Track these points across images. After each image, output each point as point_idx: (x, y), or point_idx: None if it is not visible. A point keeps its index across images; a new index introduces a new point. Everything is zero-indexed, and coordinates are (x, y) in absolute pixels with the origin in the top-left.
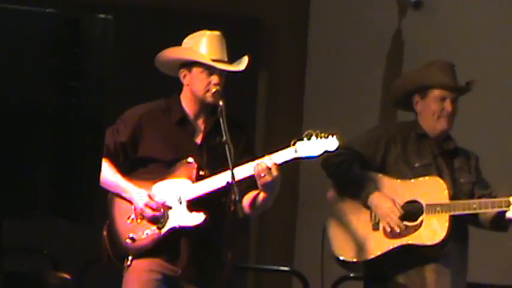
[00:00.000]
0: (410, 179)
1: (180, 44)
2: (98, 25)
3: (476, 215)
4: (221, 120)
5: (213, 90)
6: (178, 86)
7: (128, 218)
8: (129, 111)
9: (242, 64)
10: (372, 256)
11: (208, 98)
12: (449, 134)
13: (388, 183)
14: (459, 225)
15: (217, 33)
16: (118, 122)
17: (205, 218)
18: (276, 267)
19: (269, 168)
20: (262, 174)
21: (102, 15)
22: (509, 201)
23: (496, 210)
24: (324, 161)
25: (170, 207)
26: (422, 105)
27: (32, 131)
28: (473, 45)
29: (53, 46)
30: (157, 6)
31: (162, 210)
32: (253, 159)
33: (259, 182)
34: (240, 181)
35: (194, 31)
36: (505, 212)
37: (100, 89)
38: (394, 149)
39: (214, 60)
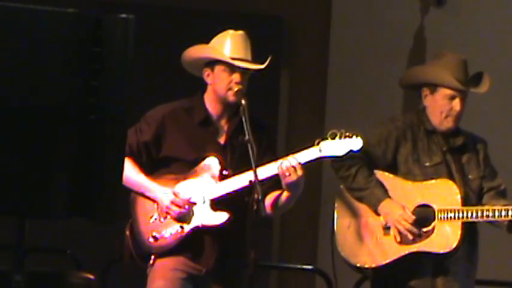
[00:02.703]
0: (422, 180)
1: (204, 43)
2: (119, 25)
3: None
4: (243, 119)
5: (235, 89)
6: (202, 86)
7: (151, 218)
8: (152, 110)
9: (264, 63)
10: (384, 262)
11: (230, 97)
12: (458, 127)
13: (399, 185)
14: (470, 229)
15: (240, 32)
16: (141, 122)
17: (229, 217)
18: (299, 266)
19: (294, 167)
20: (287, 174)
21: (123, 15)
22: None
23: (510, 218)
24: (334, 163)
25: (195, 203)
26: (431, 100)
27: (53, 131)
28: (495, 43)
29: (75, 46)
30: (178, 5)
31: (187, 207)
32: (275, 159)
33: (283, 181)
34: (262, 181)
35: (215, 30)
36: None
37: (121, 89)
38: (404, 146)
39: (235, 59)
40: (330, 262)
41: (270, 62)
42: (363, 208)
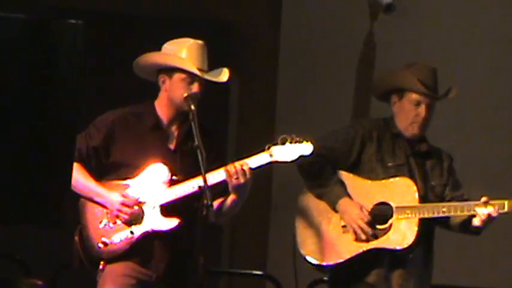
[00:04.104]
0: (382, 179)
1: (155, 49)
2: (68, 30)
3: (446, 218)
4: (193, 124)
5: (185, 94)
6: (152, 92)
7: (101, 223)
8: (102, 116)
9: (224, 75)
10: (341, 260)
11: (185, 106)
12: (424, 135)
13: (359, 184)
14: (426, 229)
15: (200, 42)
16: (91, 127)
17: (179, 223)
18: (249, 271)
19: (243, 171)
20: (235, 177)
21: (72, 21)
22: (476, 205)
23: (466, 214)
24: (297, 161)
25: (144, 203)
26: (399, 106)
27: (1, 136)
28: (444, 49)
29: (24, 51)
30: (128, 11)
31: (136, 208)
32: (224, 166)
33: (230, 184)
34: (211, 186)
35: (166, 37)
36: (474, 216)
37: (71, 95)
38: (369, 146)
39: (200, 70)
40: (279, 267)
41: (229, 74)
42: (323, 206)
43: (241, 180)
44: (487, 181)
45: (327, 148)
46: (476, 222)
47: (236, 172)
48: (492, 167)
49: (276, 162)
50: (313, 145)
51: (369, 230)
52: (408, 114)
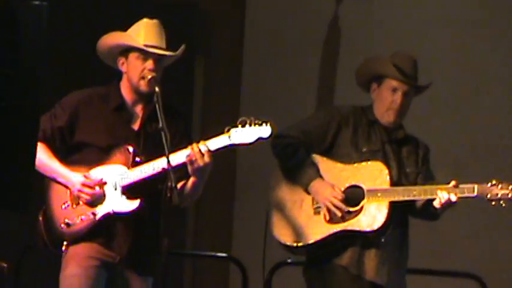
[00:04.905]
0: (354, 163)
1: (120, 30)
2: (32, 12)
3: (413, 204)
4: (157, 106)
5: (149, 77)
6: (117, 74)
7: (64, 204)
8: (67, 96)
9: (179, 50)
10: (312, 241)
11: (142, 86)
12: (401, 123)
13: (331, 167)
14: (400, 213)
15: (154, 20)
16: (56, 107)
17: (140, 204)
18: (213, 254)
19: (201, 154)
20: (194, 159)
21: (36, 2)
22: (447, 189)
23: (436, 196)
24: (273, 140)
25: (105, 183)
26: (377, 94)
27: None
28: (409, 34)
29: None
30: None
31: (98, 189)
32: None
33: (190, 167)
34: (176, 167)
35: (131, 19)
36: (433, 199)
37: (34, 75)
38: (345, 131)
39: (149, 46)
40: (243, 250)
41: (184, 49)
42: (295, 188)
43: (200, 163)
44: (456, 168)
45: (303, 131)
46: (435, 204)
47: (195, 155)
48: (461, 154)
49: (235, 144)
50: (272, 128)
51: (343, 206)
52: (385, 100)
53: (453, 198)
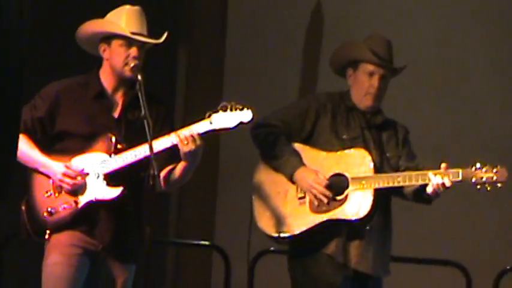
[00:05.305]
0: (337, 151)
1: (99, 17)
2: (14, 0)
3: (401, 188)
4: (139, 94)
5: (132, 64)
6: (97, 63)
7: (46, 193)
8: (47, 86)
9: (161, 37)
10: (298, 231)
11: (126, 72)
12: (379, 107)
13: (314, 155)
14: (383, 199)
15: (136, 7)
16: (36, 98)
17: (122, 192)
18: (196, 242)
19: (192, 137)
20: (186, 142)
21: None
22: (429, 174)
23: (421, 183)
24: (253, 130)
25: (87, 174)
26: (354, 79)
27: None
28: (393, 21)
29: None
30: None
31: (79, 178)
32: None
33: (182, 150)
34: (158, 154)
35: (113, 3)
36: (426, 185)
37: (16, 65)
38: (324, 118)
39: (133, 33)
40: (226, 238)
41: (167, 36)
42: (279, 179)
43: (192, 146)
44: (437, 152)
45: (282, 121)
46: (428, 189)
47: (186, 138)
48: (442, 138)
49: (216, 129)
50: (253, 113)
51: (328, 192)
52: (362, 85)
53: (447, 182)
